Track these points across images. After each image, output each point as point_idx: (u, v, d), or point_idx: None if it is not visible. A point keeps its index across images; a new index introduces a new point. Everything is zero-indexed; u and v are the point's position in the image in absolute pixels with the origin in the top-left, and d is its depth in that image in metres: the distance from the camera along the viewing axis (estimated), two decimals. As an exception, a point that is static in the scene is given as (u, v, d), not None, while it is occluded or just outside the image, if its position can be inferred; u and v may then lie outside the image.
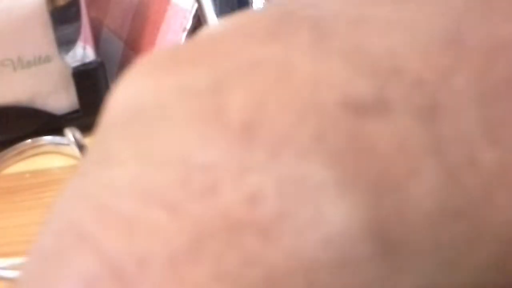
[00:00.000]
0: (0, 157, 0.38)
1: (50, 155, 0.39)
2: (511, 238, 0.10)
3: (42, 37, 0.37)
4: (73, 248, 0.09)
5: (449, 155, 0.09)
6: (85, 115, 0.40)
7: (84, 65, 0.40)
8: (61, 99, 0.40)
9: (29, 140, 0.39)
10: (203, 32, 0.12)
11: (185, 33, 0.37)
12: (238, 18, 0.11)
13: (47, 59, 0.38)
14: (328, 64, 0.10)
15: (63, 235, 0.10)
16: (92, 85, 0.40)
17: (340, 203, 0.09)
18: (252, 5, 0.33)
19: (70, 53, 0.39)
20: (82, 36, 0.39)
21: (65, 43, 0.39)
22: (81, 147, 0.38)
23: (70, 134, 0.38)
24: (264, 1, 0.31)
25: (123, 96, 0.11)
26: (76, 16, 0.39)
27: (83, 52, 0.40)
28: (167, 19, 0.39)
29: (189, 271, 0.09)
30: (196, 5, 0.36)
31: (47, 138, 0.39)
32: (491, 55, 0.10)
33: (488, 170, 0.09)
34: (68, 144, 0.38)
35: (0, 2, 0.36)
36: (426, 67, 0.10)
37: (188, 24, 0.37)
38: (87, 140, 0.39)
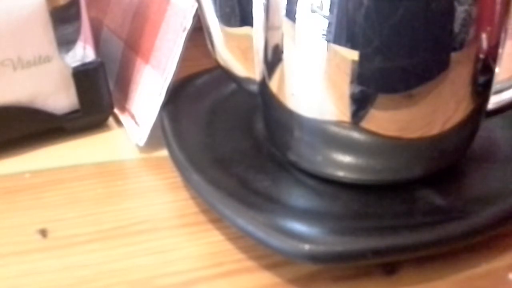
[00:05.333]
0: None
1: (50, 154, 0.39)
2: None
3: (42, 37, 0.37)
4: None
5: None
6: (85, 115, 0.40)
7: (84, 65, 0.40)
8: (61, 99, 0.40)
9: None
10: None
11: (185, 33, 0.37)
12: None
13: (47, 59, 0.38)
14: None
15: None
16: (92, 85, 0.40)
17: None
18: (252, 5, 0.33)
19: (70, 53, 0.39)
20: (82, 36, 0.39)
21: (65, 43, 0.39)
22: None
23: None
24: (264, 1, 0.31)
25: None
26: (76, 16, 0.39)
27: (83, 52, 0.40)
28: (167, 19, 0.39)
29: None
30: (196, 5, 0.36)
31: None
32: None
33: None
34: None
35: (0, 2, 0.36)
36: None
37: (188, 24, 0.37)
38: (87, 140, 0.39)
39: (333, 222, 0.31)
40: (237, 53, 0.35)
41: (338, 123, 0.31)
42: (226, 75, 0.36)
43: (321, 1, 0.28)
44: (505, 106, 0.34)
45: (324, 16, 0.29)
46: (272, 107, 0.33)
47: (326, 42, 0.29)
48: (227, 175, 0.34)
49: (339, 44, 0.29)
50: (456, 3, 0.28)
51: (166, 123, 0.38)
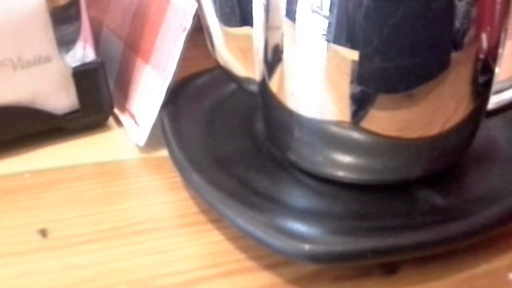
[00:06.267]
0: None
1: (50, 154, 0.39)
2: None
3: (42, 37, 0.37)
4: None
5: None
6: (85, 115, 0.40)
7: (84, 65, 0.40)
8: (61, 99, 0.40)
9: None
10: None
11: (185, 33, 0.37)
12: None
13: (47, 59, 0.38)
14: None
15: None
16: (92, 85, 0.40)
17: None
18: (252, 5, 0.33)
19: (70, 53, 0.39)
20: (82, 36, 0.39)
21: (65, 43, 0.39)
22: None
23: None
24: (264, 1, 0.31)
25: None
26: (76, 16, 0.39)
27: (83, 52, 0.40)
28: (167, 19, 0.39)
29: None
30: (196, 5, 0.36)
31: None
32: None
33: None
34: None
35: (0, 2, 0.36)
36: None
37: (188, 24, 0.37)
38: (87, 140, 0.39)
39: (333, 222, 0.31)
40: (237, 53, 0.35)
41: (338, 123, 0.31)
42: (226, 75, 0.36)
43: (321, 1, 0.28)
44: (505, 106, 0.34)
45: (324, 16, 0.29)
46: (272, 107, 0.33)
47: (326, 42, 0.29)
48: (227, 175, 0.34)
49: (339, 44, 0.29)
50: (456, 3, 0.28)
51: (166, 123, 0.38)
